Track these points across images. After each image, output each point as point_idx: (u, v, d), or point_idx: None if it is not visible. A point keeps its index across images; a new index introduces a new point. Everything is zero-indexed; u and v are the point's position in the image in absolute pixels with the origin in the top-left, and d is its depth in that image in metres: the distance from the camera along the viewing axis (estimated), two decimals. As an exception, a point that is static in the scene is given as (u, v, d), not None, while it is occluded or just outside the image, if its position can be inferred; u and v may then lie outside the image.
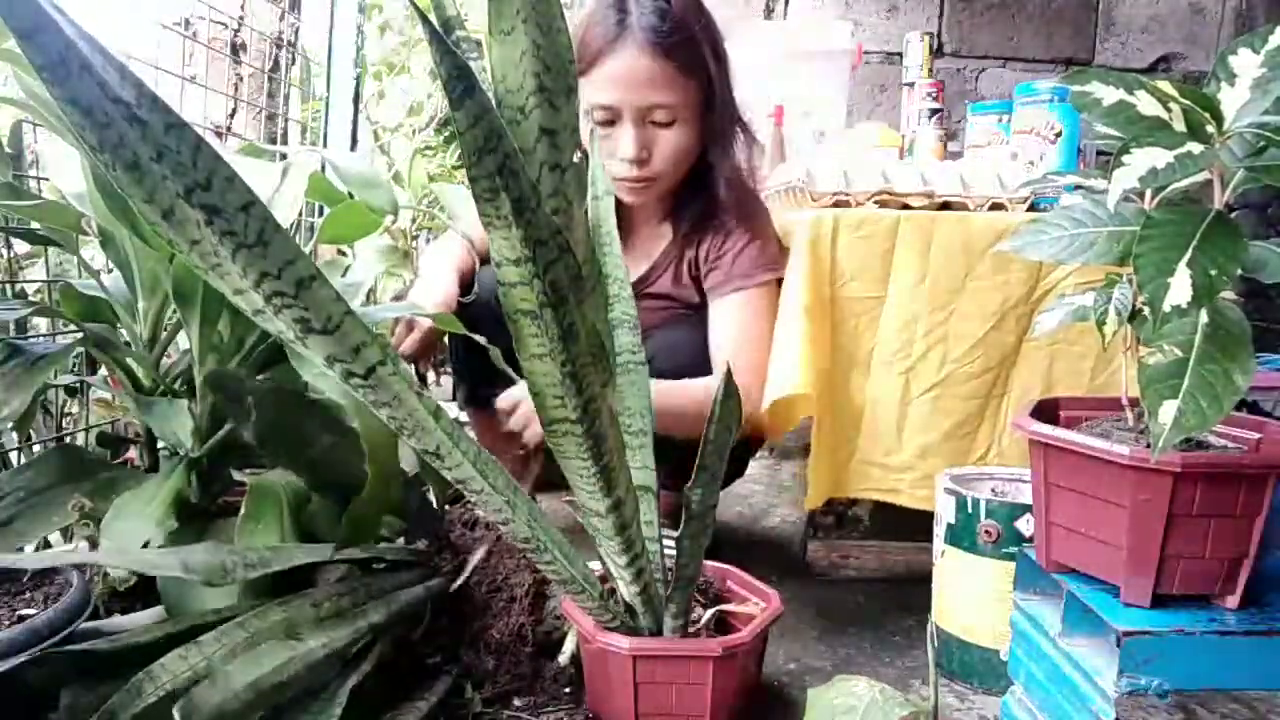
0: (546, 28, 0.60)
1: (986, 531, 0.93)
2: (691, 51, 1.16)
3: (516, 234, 0.58)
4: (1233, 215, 0.61)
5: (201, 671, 0.69)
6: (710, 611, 0.90)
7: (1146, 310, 0.57)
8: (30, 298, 1.10)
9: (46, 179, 1.09)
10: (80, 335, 0.97)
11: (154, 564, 0.78)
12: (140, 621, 0.86)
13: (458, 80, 0.52)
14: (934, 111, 1.64)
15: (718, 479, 0.79)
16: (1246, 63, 0.63)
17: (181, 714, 0.62)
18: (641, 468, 0.90)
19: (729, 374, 0.73)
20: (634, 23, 1.14)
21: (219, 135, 1.61)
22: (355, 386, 0.64)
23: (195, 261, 0.56)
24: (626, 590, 0.85)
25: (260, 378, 0.99)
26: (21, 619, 0.74)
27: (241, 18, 1.73)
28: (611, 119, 1.17)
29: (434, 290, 1.23)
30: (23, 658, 0.68)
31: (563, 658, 0.93)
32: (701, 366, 1.20)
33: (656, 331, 1.26)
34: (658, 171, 1.20)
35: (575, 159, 0.67)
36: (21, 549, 0.92)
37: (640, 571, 0.83)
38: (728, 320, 1.23)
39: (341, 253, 1.73)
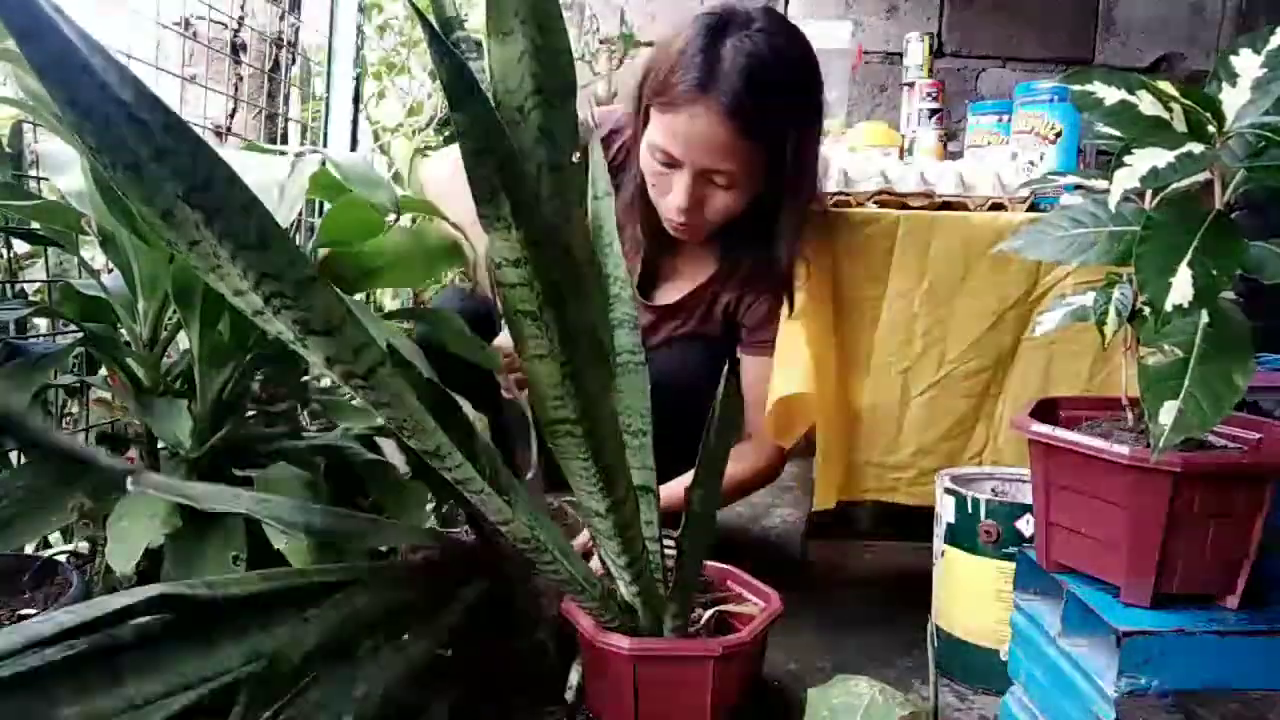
0: (546, 28, 0.60)
1: (986, 531, 0.93)
2: (774, 121, 1.08)
3: (516, 235, 0.58)
4: (1233, 215, 0.61)
5: None
6: (710, 611, 0.90)
7: (1147, 310, 0.57)
8: (30, 298, 1.10)
9: (46, 179, 1.09)
10: (80, 335, 0.97)
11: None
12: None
13: (457, 81, 0.52)
14: (934, 111, 1.64)
15: (719, 480, 0.79)
16: (1247, 63, 0.63)
17: None
18: (641, 468, 0.90)
19: (729, 372, 0.73)
20: (721, 83, 1.04)
21: (219, 135, 1.60)
22: (355, 387, 0.64)
23: (195, 262, 0.56)
24: (626, 590, 0.85)
25: (259, 377, 0.99)
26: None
27: (241, 18, 1.72)
28: (671, 164, 1.11)
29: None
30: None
31: (569, 694, 0.90)
32: (708, 380, 1.19)
33: (663, 349, 1.24)
34: (703, 225, 1.16)
35: (575, 159, 0.67)
36: (22, 549, 0.92)
37: (640, 572, 0.83)
38: (763, 378, 1.18)
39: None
